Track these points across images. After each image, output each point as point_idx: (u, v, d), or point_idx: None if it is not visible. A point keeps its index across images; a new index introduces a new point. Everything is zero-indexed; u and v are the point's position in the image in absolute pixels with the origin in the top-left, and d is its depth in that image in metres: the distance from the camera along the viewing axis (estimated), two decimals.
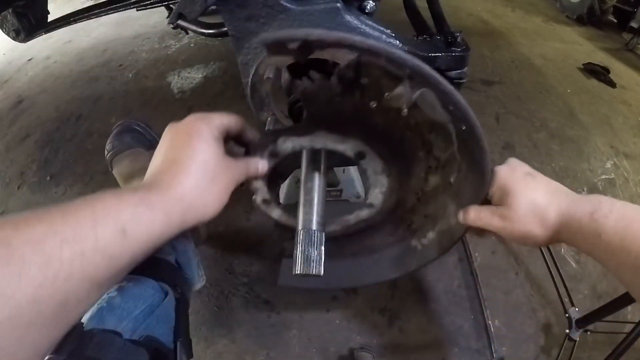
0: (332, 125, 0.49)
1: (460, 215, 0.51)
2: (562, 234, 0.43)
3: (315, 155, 0.53)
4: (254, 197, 0.59)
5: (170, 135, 0.38)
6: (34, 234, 0.23)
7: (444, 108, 0.43)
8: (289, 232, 0.62)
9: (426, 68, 0.38)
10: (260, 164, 0.46)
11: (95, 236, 0.25)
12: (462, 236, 0.56)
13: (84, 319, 0.55)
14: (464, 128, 0.43)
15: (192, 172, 0.35)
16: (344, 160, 0.63)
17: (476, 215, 0.49)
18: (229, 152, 0.40)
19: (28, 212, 0.25)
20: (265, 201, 0.59)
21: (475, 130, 0.42)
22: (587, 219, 0.39)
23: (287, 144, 0.50)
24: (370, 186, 0.56)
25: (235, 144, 0.46)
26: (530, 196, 0.45)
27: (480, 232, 0.54)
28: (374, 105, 0.45)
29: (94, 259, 0.25)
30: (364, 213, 0.61)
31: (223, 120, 0.40)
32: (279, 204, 0.61)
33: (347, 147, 0.50)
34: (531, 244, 0.46)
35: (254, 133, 0.47)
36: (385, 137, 0.50)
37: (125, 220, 0.28)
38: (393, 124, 0.47)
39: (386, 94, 0.43)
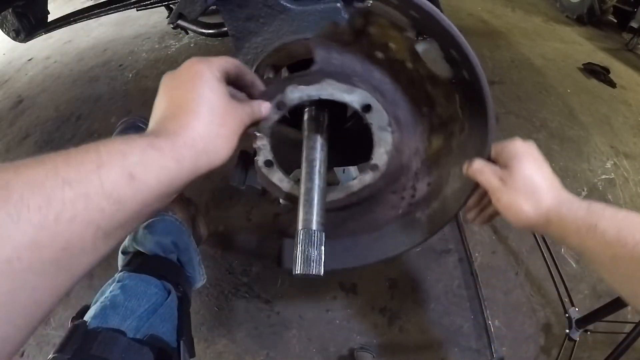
0: (340, 74, 0.49)
1: (465, 166, 0.51)
2: (552, 223, 0.43)
3: (315, 153, 0.53)
4: (255, 157, 0.57)
5: (170, 82, 0.36)
6: (34, 176, 0.22)
7: (447, 61, 0.45)
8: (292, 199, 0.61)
9: (438, 12, 0.40)
10: (264, 106, 0.44)
11: (100, 179, 0.24)
12: (465, 202, 0.55)
13: (87, 318, 0.55)
14: (466, 77, 0.44)
15: (201, 115, 0.33)
16: (344, 160, 0.63)
17: (480, 167, 0.49)
18: (232, 96, 0.39)
19: (31, 157, 0.24)
20: (267, 163, 0.58)
21: (479, 78, 0.42)
22: (584, 211, 0.40)
23: (294, 94, 0.50)
24: (375, 145, 0.55)
25: (234, 88, 0.44)
26: (534, 172, 0.45)
27: (476, 205, 0.54)
28: (380, 56, 0.46)
29: (99, 203, 0.24)
30: (368, 177, 0.59)
31: (222, 62, 0.38)
32: (280, 166, 0.59)
33: (354, 98, 0.50)
34: (515, 219, 0.46)
35: (253, 75, 0.45)
36: (391, 91, 0.51)
37: (133, 163, 0.26)
38: (398, 76, 0.49)
39: (391, 44, 0.45)
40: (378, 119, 0.52)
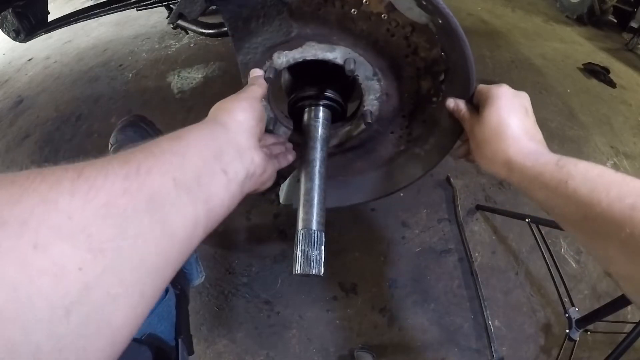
0: (320, 36, 0.53)
1: (451, 104, 0.53)
2: (514, 175, 0.41)
3: (315, 153, 0.53)
4: None
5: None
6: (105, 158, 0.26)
7: (420, 7, 0.47)
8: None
9: None
10: (260, 82, 0.51)
11: (157, 142, 0.30)
12: (457, 137, 0.58)
13: None
14: (440, 22, 0.46)
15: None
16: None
17: (463, 113, 0.50)
18: None
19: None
20: (270, 119, 0.63)
21: (449, 21, 0.45)
22: (552, 165, 0.38)
23: (281, 59, 0.55)
24: (364, 93, 0.59)
25: None
26: (504, 118, 0.44)
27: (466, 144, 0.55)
28: (355, 13, 0.50)
29: (165, 157, 0.29)
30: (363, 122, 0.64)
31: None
32: (283, 123, 0.65)
33: (336, 55, 0.54)
34: (479, 164, 0.47)
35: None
36: (371, 43, 0.53)
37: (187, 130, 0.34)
38: (376, 28, 0.52)
39: (364, 0, 0.48)
40: (363, 71, 0.55)
